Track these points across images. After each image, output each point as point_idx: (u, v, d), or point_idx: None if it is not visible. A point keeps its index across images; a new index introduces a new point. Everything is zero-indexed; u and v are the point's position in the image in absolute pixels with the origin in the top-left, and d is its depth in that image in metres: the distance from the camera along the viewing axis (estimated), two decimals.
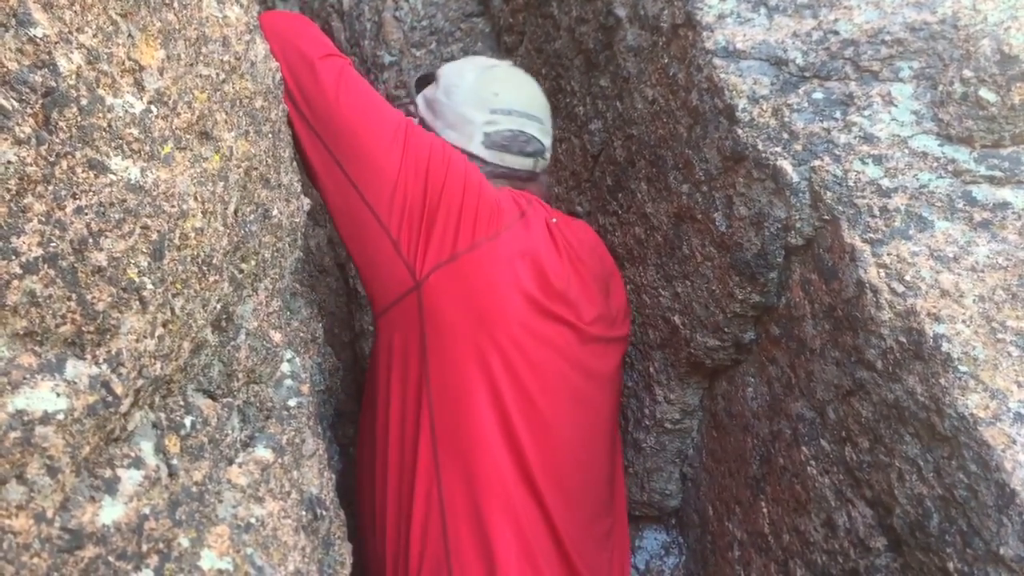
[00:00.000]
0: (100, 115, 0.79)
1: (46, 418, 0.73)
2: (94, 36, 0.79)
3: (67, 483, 0.78)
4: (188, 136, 0.93)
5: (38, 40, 0.73)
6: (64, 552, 0.76)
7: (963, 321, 1.21)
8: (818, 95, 1.44)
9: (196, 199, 0.93)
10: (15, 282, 0.71)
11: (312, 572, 1.21)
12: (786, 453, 1.49)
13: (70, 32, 0.76)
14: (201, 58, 0.97)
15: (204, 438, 1.04)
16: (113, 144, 0.81)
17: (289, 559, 1.14)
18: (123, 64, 0.84)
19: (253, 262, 1.14)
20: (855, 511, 1.33)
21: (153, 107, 0.87)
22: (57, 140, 0.74)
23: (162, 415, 0.98)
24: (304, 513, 1.24)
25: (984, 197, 1.30)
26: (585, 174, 2.03)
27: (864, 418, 1.31)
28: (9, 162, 0.70)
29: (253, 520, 1.07)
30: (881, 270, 1.29)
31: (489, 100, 1.63)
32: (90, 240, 0.77)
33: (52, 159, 0.74)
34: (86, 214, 0.77)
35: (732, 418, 1.66)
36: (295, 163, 1.36)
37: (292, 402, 1.29)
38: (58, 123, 0.75)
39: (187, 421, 1.02)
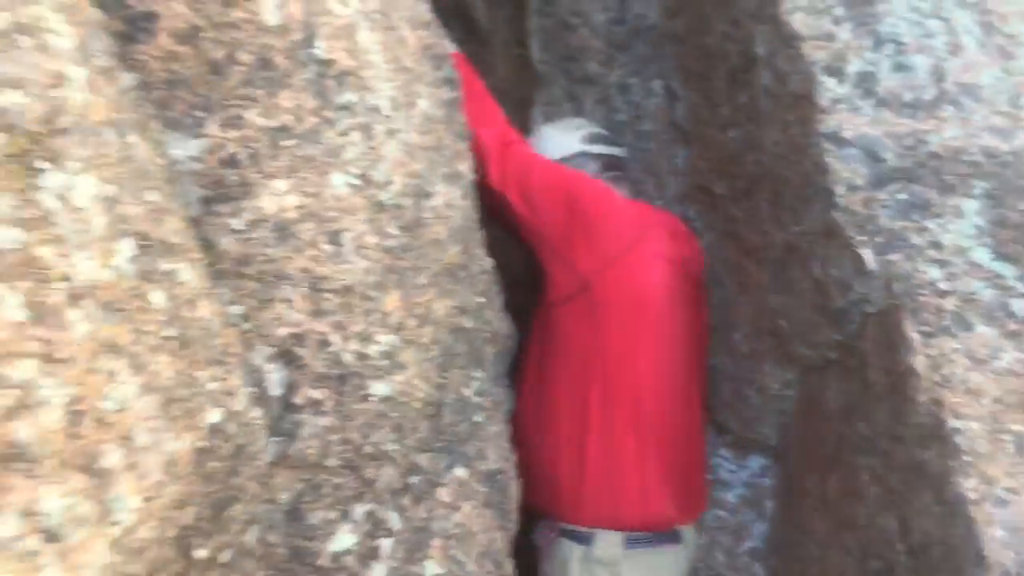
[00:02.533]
0: None
1: None
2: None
3: None
4: (414, 334, 1.44)
5: None
6: None
7: (976, 419, 1.60)
8: (903, 196, 1.75)
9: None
10: None
11: (493, 528, 1.82)
12: (849, 452, 1.95)
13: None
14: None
15: (425, 485, 1.62)
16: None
17: (477, 539, 1.74)
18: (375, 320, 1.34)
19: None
20: (887, 518, 1.81)
21: (394, 336, 1.38)
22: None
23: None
24: (487, 490, 1.83)
25: (1018, 310, 1.64)
26: (725, 165, 2.37)
27: (900, 460, 1.75)
28: None
29: (455, 529, 1.67)
30: (926, 360, 1.68)
31: (571, 127, 2.44)
32: None
33: None
34: None
35: (817, 406, 2.11)
36: None
37: (478, 417, 1.85)
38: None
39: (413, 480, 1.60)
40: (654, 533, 2.14)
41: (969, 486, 1.57)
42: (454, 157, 1.68)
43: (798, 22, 1.90)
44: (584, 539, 2.12)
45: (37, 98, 0.80)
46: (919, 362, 1.68)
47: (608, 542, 2.10)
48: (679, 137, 2.60)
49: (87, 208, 0.83)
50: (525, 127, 2.96)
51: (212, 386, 1.01)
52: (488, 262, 1.82)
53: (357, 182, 1.31)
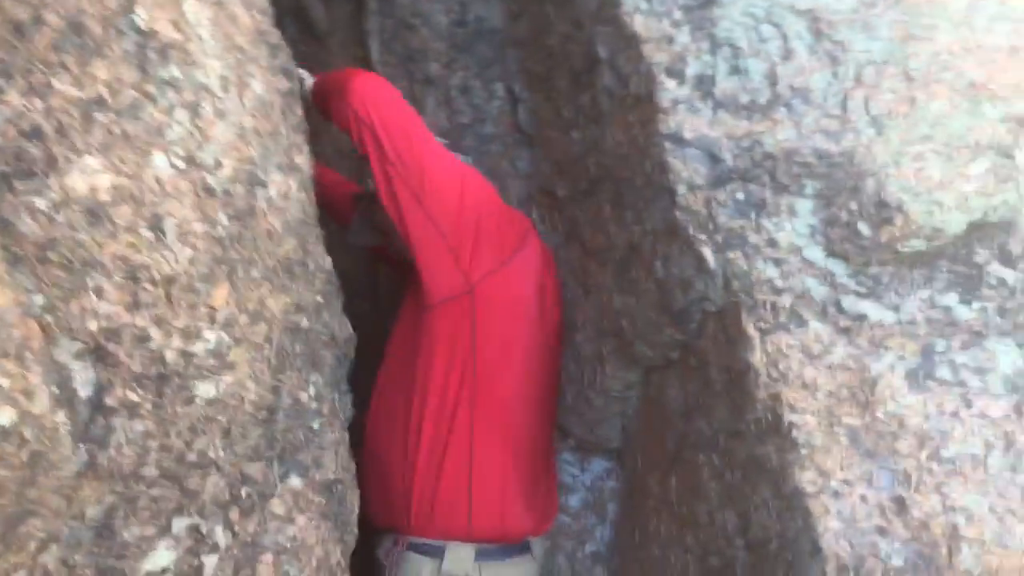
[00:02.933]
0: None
1: None
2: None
3: None
4: (246, 331, 1.34)
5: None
6: None
7: (812, 412, 1.64)
8: (740, 195, 1.78)
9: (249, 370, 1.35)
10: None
11: (330, 542, 1.72)
12: (691, 451, 1.97)
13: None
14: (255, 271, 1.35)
15: (255, 496, 1.52)
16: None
17: (314, 553, 1.65)
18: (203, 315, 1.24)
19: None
20: (727, 514, 1.83)
21: (223, 333, 1.27)
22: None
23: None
24: (323, 501, 1.74)
25: (849, 307, 1.69)
26: (567, 167, 2.37)
27: (740, 456, 1.77)
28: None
29: (288, 543, 1.57)
30: (763, 356, 1.70)
31: None
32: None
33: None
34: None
35: (659, 406, 2.13)
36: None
37: (315, 424, 1.75)
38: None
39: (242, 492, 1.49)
40: (506, 545, 2.09)
41: (806, 479, 1.60)
42: (291, 148, 1.58)
43: (639, 24, 1.91)
44: (434, 552, 2.04)
45: None
46: (756, 358, 1.71)
47: (459, 555, 2.03)
48: (521, 140, 2.58)
49: None
50: None
51: (6, 383, 0.89)
52: (327, 261, 1.73)
53: (182, 164, 1.21)
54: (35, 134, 1.04)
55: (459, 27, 2.75)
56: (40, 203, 1.04)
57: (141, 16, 1.17)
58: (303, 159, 1.66)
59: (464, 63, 2.75)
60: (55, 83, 1.06)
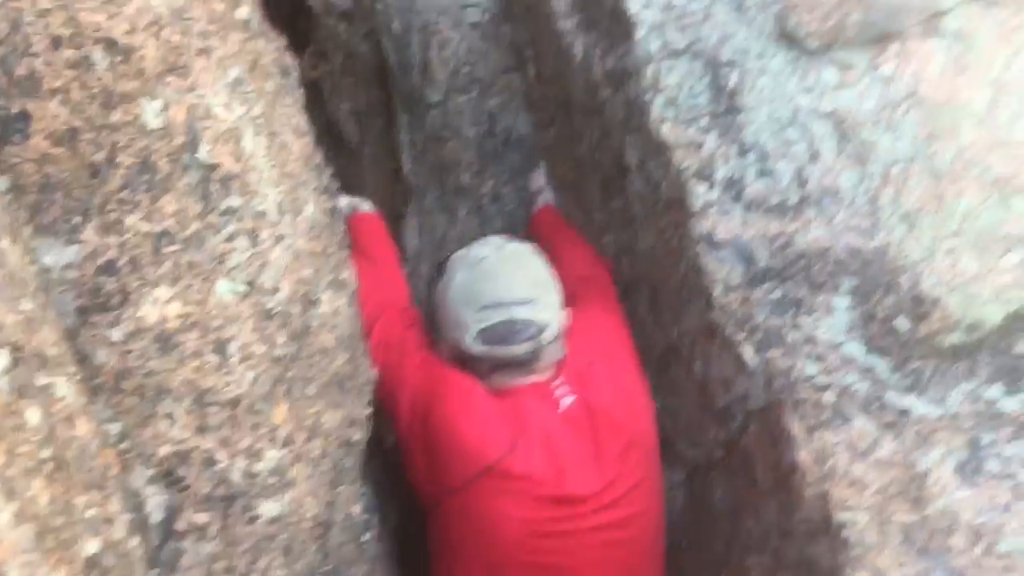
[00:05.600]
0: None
1: None
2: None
3: None
4: (303, 448, 1.37)
5: None
6: None
7: (862, 510, 1.64)
8: (776, 295, 1.81)
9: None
10: None
11: None
12: (740, 552, 1.96)
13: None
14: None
15: None
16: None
17: None
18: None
19: None
20: None
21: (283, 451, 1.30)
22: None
23: None
24: None
25: (893, 402, 1.70)
26: None
27: (791, 557, 1.76)
28: None
29: None
30: (809, 454, 1.71)
31: (477, 299, 1.89)
32: None
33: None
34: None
35: (705, 506, 2.12)
36: None
37: (366, 536, 1.76)
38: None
39: None
40: None
41: None
42: (339, 264, 1.64)
43: (667, 131, 1.98)
44: None
45: None
46: (803, 456, 1.71)
47: None
48: None
49: None
50: (399, 239, 2.96)
51: (90, 513, 0.92)
52: (373, 372, 1.77)
53: (243, 289, 1.26)
54: (110, 269, 1.10)
55: (488, 137, 2.85)
56: (115, 335, 1.09)
57: (204, 151, 1.24)
58: (348, 274, 1.72)
59: (494, 172, 2.83)
60: (127, 220, 1.12)
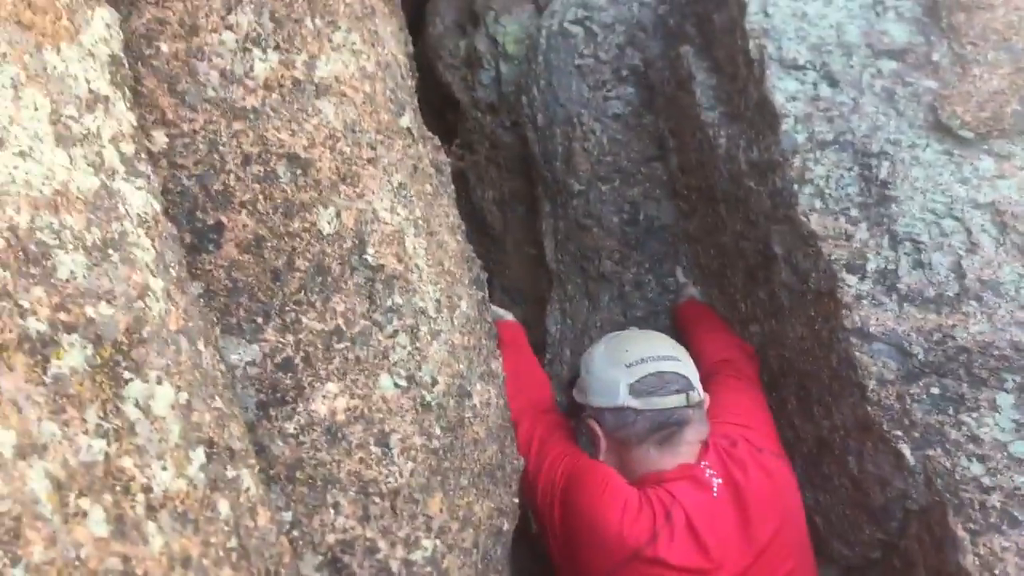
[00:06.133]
0: None
1: None
2: None
3: None
4: (456, 538, 1.40)
5: None
6: None
7: None
8: (935, 390, 1.75)
9: None
10: None
11: None
12: None
13: None
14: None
15: None
16: None
17: None
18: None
19: None
20: None
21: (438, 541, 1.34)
22: None
23: None
24: None
25: None
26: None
27: None
28: None
29: None
30: (976, 559, 1.63)
31: (623, 357, 1.94)
32: None
33: None
34: None
35: None
36: None
37: None
38: None
39: None
40: None
41: None
42: (488, 356, 1.69)
43: (815, 222, 1.97)
44: None
45: (123, 309, 0.82)
46: (969, 561, 1.63)
47: None
48: None
49: (165, 417, 0.83)
50: (541, 324, 3.01)
51: None
52: (521, 462, 1.80)
53: (404, 383, 1.32)
54: (287, 366, 1.18)
55: (631, 226, 2.88)
56: (289, 427, 1.17)
57: (371, 253, 1.32)
58: (498, 364, 1.77)
59: (636, 259, 2.86)
60: (303, 319, 1.20)
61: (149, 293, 0.89)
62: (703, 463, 1.87)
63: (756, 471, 1.86)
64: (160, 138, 1.11)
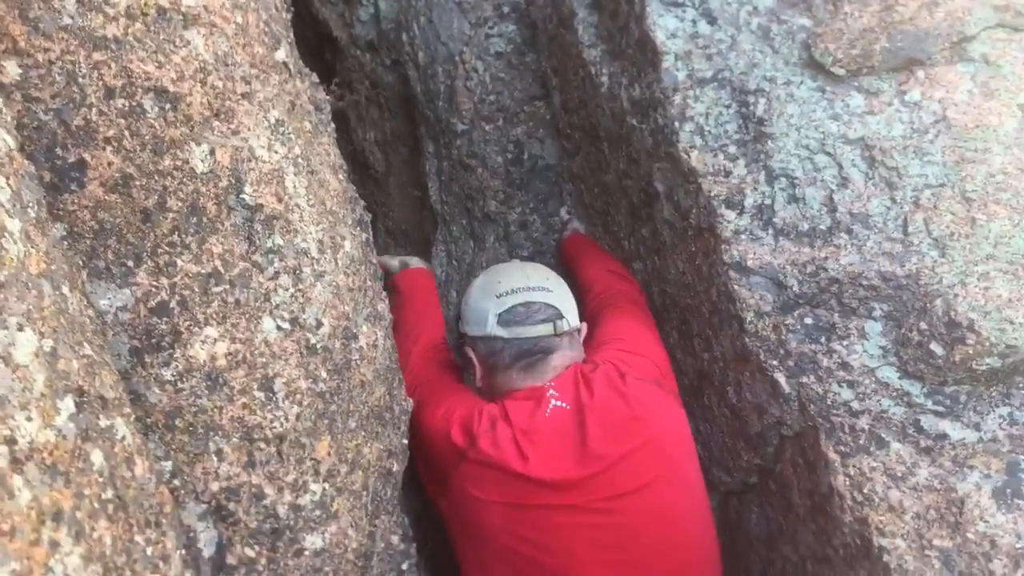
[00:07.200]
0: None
1: None
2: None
3: None
4: (346, 481, 1.39)
5: None
6: None
7: (901, 536, 1.64)
8: (809, 320, 1.82)
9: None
10: None
11: None
12: None
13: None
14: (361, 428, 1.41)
15: None
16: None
17: None
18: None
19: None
20: None
21: (326, 484, 1.32)
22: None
23: None
24: None
25: (929, 427, 1.70)
26: None
27: None
28: None
29: None
30: (846, 479, 1.71)
31: (495, 288, 1.99)
32: None
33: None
34: None
35: (739, 532, 2.12)
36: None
37: (405, 565, 1.77)
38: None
39: None
40: None
41: None
42: (375, 297, 1.66)
43: (695, 159, 2.00)
44: None
45: None
46: (840, 482, 1.72)
47: None
48: None
49: (28, 365, 0.78)
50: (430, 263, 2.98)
51: (149, 551, 0.94)
52: (409, 403, 1.78)
53: (287, 326, 1.28)
54: (162, 310, 1.12)
55: (515, 166, 2.87)
56: (167, 374, 1.12)
57: (248, 192, 1.27)
58: (384, 306, 1.74)
59: (521, 199, 2.86)
60: (178, 261, 1.15)
61: (5, 234, 0.83)
62: (550, 385, 1.88)
63: (607, 394, 1.85)
64: (12, 69, 1.03)
